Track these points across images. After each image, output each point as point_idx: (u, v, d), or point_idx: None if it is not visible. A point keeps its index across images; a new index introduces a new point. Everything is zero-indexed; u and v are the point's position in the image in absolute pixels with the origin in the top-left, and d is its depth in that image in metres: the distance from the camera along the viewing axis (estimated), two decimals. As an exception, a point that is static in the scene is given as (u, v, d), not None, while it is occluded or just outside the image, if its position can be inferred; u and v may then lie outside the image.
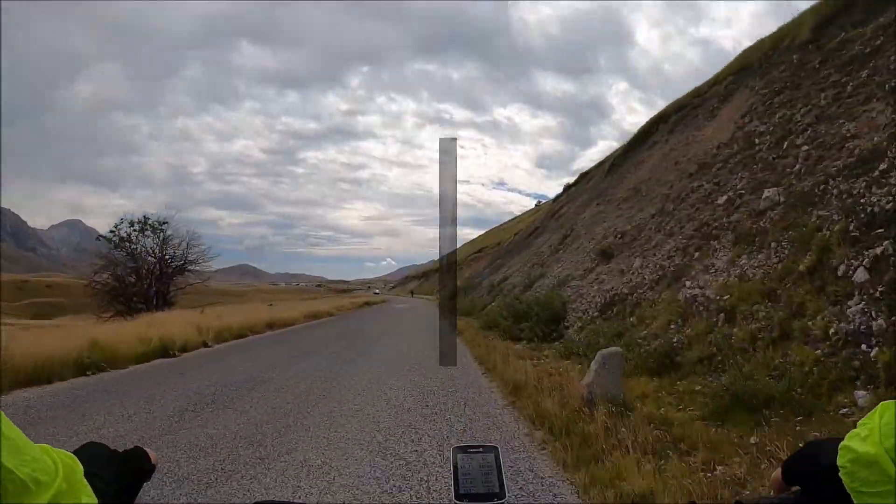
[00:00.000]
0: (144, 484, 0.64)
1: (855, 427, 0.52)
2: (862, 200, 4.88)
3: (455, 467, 0.75)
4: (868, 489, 0.48)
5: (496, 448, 0.77)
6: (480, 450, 0.77)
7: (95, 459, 0.56)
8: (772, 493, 0.62)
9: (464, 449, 0.77)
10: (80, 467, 0.46)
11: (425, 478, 3.31)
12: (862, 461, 0.49)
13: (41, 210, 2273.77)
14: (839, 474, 0.51)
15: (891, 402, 0.50)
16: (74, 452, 0.51)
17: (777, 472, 0.61)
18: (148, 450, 0.65)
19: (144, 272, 25.01)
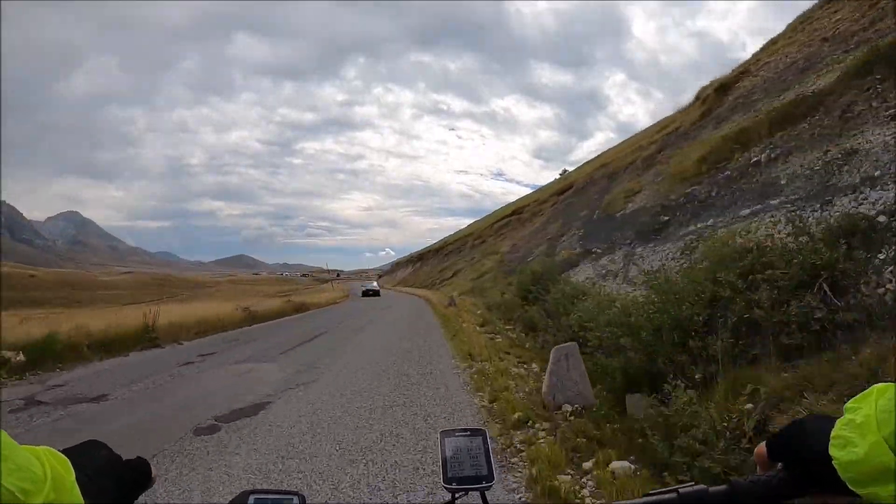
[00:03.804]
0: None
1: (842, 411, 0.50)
2: None
3: (443, 451, 0.75)
4: (866, 478, 0.45)
5: (483, 431, 0.77)
6: (468, 433, 0.77)
7: (94, 463, 0.53)
8: (758, 468, 0.60)
9: (451, 433, 0.77)
10: (72, 473, 0.45)
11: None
12: (858, 451, 0.45)
13: (38, 202, 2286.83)
14: (832, 463, 0.47)
15: (887, 384, 0.47)
16: (72, 450, 0.50)
17: (762, 447, 0.59)
18: (151, 464, 0.61)
19: None
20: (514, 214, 37.75)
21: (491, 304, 14.45)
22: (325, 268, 56.64)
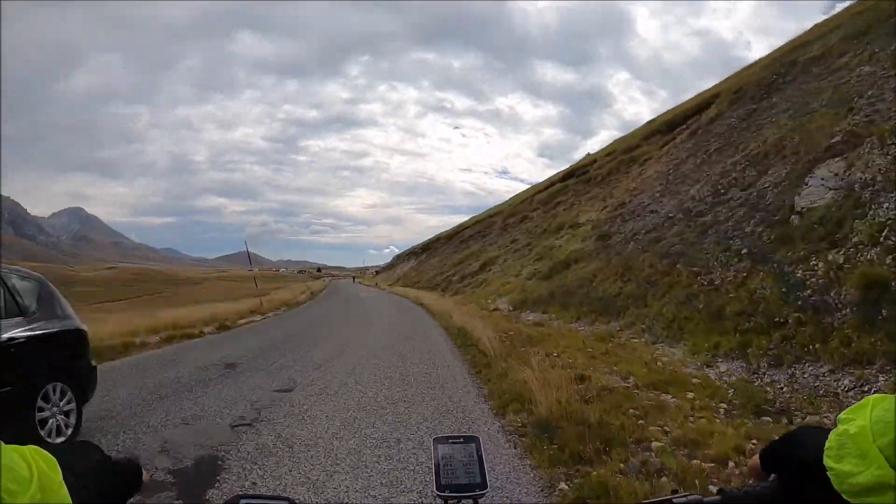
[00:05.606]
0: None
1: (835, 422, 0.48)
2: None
3: (436, 458, 0.72)
4: (860, 488, 0.44)
5: (477, 438, 0.74)
6: (461, 440, 0.74)
7: (84, 464, 0.52)
8: (751, 480, 0.60)
9: (445, 440, 0.74)
10: (59, 473, 0.44)
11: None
12: (853, 462, 0.45)
13: (42, 199, 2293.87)
14: (827, 473, 0.46)
15: (880, 395, 0.47)
16: (61, 450, 0.49)
17: (755, 459, 0.58)
18: (143, 468, 0.61)
19: None
20: (573, 177, 24.79)
21: None
22: (250, 254, 24.32)
